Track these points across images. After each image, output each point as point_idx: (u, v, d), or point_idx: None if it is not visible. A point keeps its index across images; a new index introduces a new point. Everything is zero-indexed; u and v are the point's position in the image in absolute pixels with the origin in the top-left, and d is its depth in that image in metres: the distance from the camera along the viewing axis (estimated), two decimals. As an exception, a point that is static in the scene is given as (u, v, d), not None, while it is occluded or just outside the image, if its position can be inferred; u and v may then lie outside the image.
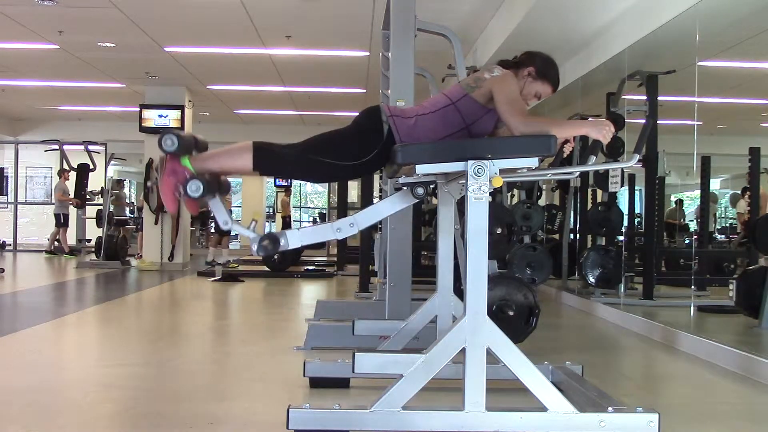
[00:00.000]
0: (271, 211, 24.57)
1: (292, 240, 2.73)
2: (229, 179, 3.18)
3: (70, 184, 13.16)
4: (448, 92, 2.85)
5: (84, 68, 9.95)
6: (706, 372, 4.16)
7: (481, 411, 2.36)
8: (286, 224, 20.89)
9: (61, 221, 13.36)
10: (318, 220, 23.48)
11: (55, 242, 13.65)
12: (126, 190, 18.46)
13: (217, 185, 2.80)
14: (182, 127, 11.54)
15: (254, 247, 2.71)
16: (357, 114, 2.86)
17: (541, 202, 9.45)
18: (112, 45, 8.69)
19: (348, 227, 2.74)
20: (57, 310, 6.70)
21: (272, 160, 2.76)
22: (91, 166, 12.56)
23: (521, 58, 2.93)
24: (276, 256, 10.27)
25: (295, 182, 26.07)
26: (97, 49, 8.92)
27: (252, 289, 8.47)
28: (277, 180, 24.26)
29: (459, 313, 2.99)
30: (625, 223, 8.02)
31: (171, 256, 11.46)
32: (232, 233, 11.80)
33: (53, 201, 13.70)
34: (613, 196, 7.28)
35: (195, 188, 2.59)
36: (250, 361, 4.25)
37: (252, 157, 2.71)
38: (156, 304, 7.36)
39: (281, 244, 2.72)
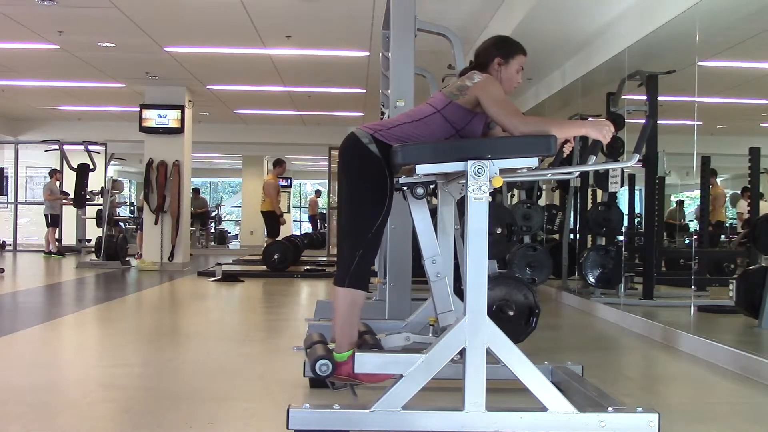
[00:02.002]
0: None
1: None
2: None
3: (69, 185, 13.17)
4: (431, 101, 2.85)
5: (84, 68, 9.95)
6: (706, 372, 4.16)
7: (481, 411, 2.36)
8: (315, 223, 20.92)
9: (50, 221, 13.38)
10: (318, 220, 23.57)
11: (56, 242, 13.66)
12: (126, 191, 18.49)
13: (369, 335, 2.98)
14: (182, 128, 11.54)
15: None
16: (340, 154, 2.87)
17: (541, 202, 9.45)
18: (112, 45, 8.69)
19: (435, 264, 2.92)
20: (57, 310, 6.70)
21: (365, 276, 2.85)
22: (91, 166, 12.56)
23: (481, 60, 2.90)
24: (276, 256, 10.29)
25: (295, 182, 26.15)
26: (97, 49, 8.91)
27: (252, 289, 8.47)
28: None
29: (459, 313, 2.99)
30: (625, 223, 8.01)
31: (171, 256, 11.45)
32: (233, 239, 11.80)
33: (43, 201, 13.73)
34: (613, 196, 7.28)
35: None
36: (250, 361, 4.25)
37: (358, 292, 2.82)
38: (156, 304, 7.36)
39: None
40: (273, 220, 10.91)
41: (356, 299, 2.80)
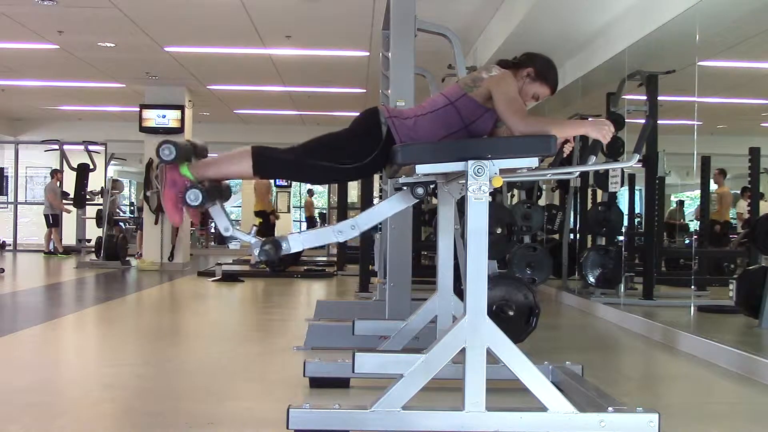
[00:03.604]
0: (272, 211, 24.60)
1: (294, 244, 2.79)
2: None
3: (69, 185, 13.17)
4: (446, 92, 2.85)
5: (84, 68, 9.95)
6: (706, 372, 4.16)
7: (481, 411, 2.36)
8: (312, 224, 20.91)
9: (50, 221, 13.36)
10: (318, 220, 23.55)
11: (60, 241, 13.65)
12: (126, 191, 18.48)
13: (218, 192, 2.81)
14: (182, 128, 11.55)
15: (255, 252, 2.73)
16: (357, 115, 2.87)
17: (541, 202, 9.45)
18: (112, 45, 8.70)
19: (349, 230, 2.76)
20: (57, 310, 6.70)
21: (272, 165, 2.79)
22: (91, 166, 12.56)
23: (521, 58, 2.93)
24: (276, 256, 10.27)
25: (296, 182, 26.14)
26: (97, 49, 8.92)
27: (252, 289, 8.47)
28: (278, 180, 24.34)
29: (459, 313, 2.99)
30: (625, 223, 8.02)
31: (171, 256, 11.45)
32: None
33: (44, 201, 13.70)
34: (613, 196, 7.28)
35: (194, 197, 2.62)
36: (250, 361, 4.25)
37: (252, 163, 2.74)
38: (156, 304, 7.36)
39: (283, 248, 2.75)
40: (264, 219, 10.90)
41: (246, 167, 2.73)
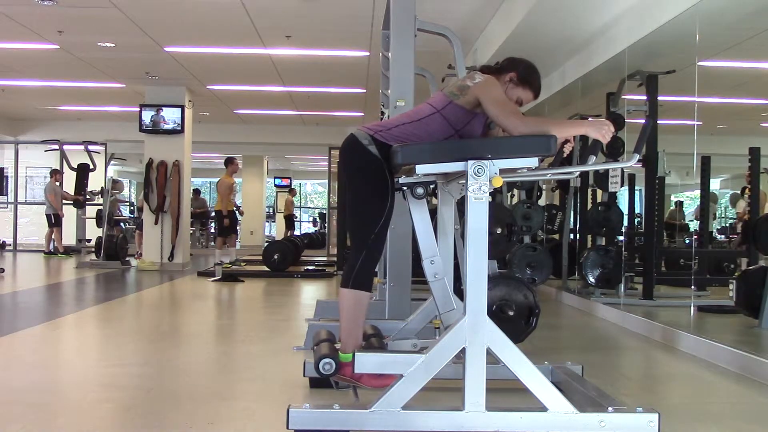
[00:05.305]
0: (271, 210, 24.62)
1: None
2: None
3: (69, 185, 13.17)
4: (431, 101, 2.86)
5: (84, 68, 9.95)
6: (706, 372, 4.16)
7: (481, 411, 2.36)
8: (290, 223, 20.92)
9: (52, 221, 13.35)
10: (318, 220, 23.55)
11: (61, 241, 13.65)
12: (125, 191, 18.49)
13: (375, 337, 3.00)
14: (182, 128, 11.53)
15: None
16: (340, 155, 2.89)
17: (541, 202, 9.44)
18: (112, 45, 8.69)
19: (435, 265, 2.94)
20: (57, 310, 6.70)
21: (369, 276, 2.86)
22: (91, 166, 12.55)
23: (503, 63, 2.93)
24: (276, 256, 10.29)
25: (295, 182, 26.15)
26: (97, 49, 8.91)
27: (252, 289, 8.47)
28: (277, 180, 24.35)
29: (460, 312, 2.99)
30: (625, 223, 8.01)
31: (171, 256, 11.45)
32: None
33: (44, 201, 13.69)
34: (613, 196, 7.28)
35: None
36: (250, 361, 4.25)
37: (363, 293, 2.82)
38: (156, 304, 7.36)
39: None
40: (222, 218, 10.74)
41: (361, 300, 2.81)
